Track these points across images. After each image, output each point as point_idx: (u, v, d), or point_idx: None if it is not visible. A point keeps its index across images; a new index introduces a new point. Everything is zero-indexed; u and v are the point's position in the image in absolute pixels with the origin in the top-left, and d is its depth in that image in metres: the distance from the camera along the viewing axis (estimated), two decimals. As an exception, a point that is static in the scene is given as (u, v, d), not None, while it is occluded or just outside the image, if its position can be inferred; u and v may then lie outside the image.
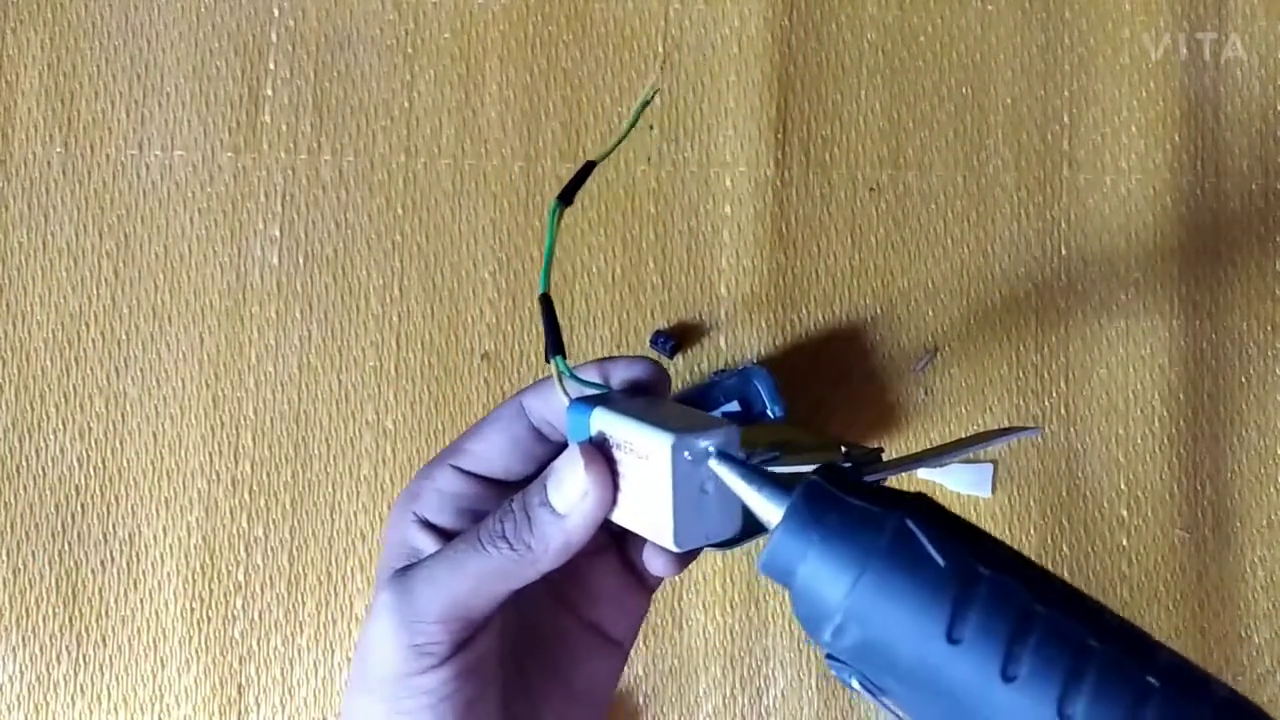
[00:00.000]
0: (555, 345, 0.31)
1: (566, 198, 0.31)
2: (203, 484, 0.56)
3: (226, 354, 0.57)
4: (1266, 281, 0.58)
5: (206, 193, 0.58)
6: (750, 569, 0.56)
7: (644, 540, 0.32)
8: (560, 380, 0.31)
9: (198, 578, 0.56)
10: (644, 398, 0.32)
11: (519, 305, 0.57)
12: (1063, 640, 0.24)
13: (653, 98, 0.32)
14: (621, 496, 0.30)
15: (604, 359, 0.33)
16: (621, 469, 0.30)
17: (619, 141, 0.32)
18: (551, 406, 0.32)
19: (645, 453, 0.29)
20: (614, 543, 0.35)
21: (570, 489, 0.30)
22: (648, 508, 0.29)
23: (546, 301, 0.31)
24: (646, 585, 0.35)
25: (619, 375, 0.32)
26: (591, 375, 0.32)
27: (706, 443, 0.29)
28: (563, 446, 0.32)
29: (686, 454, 0.29)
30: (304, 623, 0.56)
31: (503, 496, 0.32)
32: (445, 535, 0.32)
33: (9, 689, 0.55)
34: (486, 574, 0.30)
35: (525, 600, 0.33)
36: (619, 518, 0.31)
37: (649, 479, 0.29)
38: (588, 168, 0.32)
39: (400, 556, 0.32)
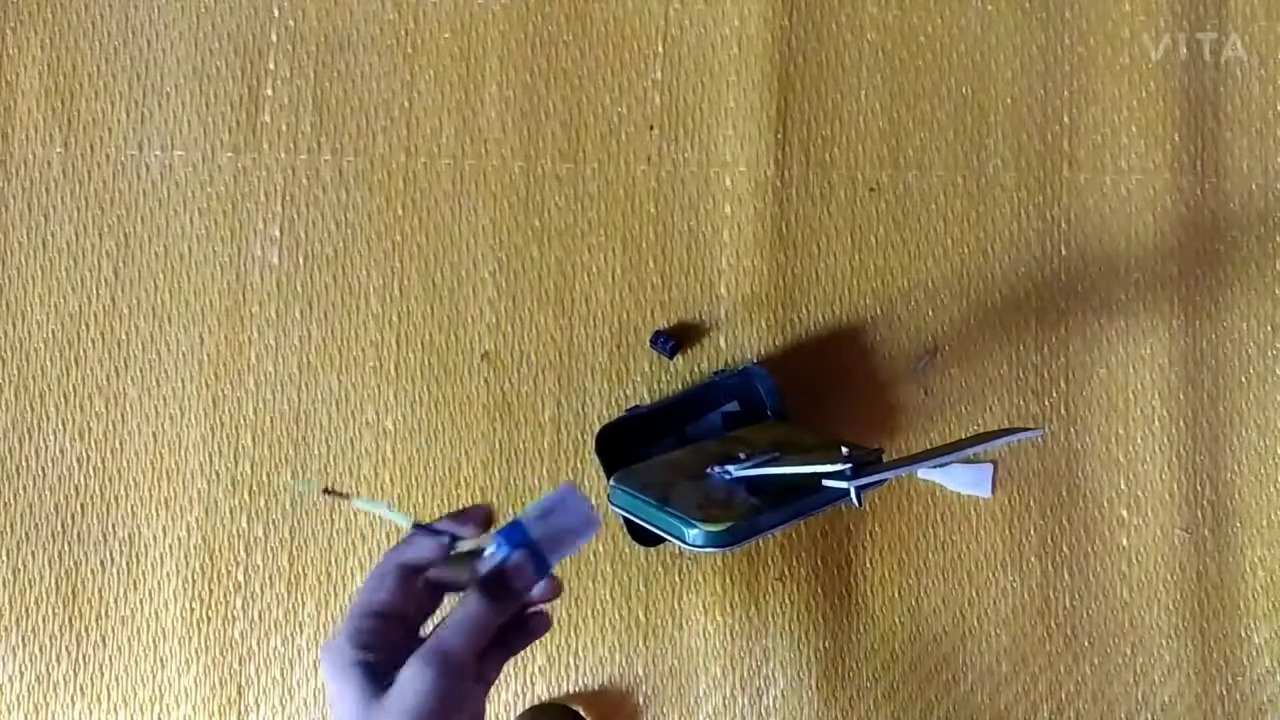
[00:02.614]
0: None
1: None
2: (203, 484, 0.56)
3: (226, 354, 0.57)
4: (1266, 281, 0.58)
5: (206, 193, 0.58)
6: (750, 569, 0.56)
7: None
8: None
9: (198, 578, 0.56)
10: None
11: (519, 305, 0.57)
12: None
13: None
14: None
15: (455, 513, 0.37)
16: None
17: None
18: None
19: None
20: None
21: None
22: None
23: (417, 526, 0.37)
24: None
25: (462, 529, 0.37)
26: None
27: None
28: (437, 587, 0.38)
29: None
30: (304, 623, 0.56)
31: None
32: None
33: (9, 689, 0.55)
34: None
35: None
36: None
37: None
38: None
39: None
